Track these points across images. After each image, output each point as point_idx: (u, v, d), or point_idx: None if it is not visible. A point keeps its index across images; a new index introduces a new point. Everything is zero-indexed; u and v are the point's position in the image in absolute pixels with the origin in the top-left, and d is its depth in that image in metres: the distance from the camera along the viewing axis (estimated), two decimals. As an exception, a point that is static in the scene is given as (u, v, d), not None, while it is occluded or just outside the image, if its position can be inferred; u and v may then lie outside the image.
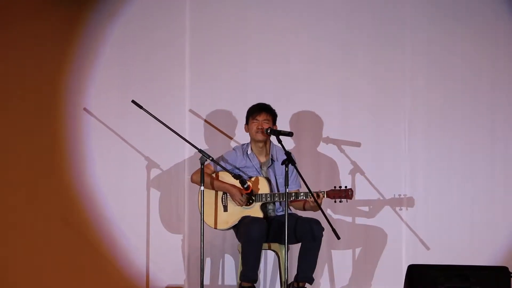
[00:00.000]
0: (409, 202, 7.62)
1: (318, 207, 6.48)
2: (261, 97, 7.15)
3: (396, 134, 7.71)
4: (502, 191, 7.68)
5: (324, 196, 6.71)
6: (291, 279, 6.79)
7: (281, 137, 6.63)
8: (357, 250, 7.61)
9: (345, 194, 6.74)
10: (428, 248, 7.62)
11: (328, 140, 7.66)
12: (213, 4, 7.70)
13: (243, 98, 7.42)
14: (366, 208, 7.62)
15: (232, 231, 6.95)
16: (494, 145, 7.71)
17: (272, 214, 6.92)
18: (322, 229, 6.67)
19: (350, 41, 7.72)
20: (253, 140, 6.96)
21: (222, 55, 7.69)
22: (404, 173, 7.69)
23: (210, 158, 6.65)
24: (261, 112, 6.90)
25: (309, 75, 7.70)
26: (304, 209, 6.89)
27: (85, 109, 7.58)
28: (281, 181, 6.87)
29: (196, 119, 7.64)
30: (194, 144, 6.82)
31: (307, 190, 6.57)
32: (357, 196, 7.56)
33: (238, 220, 6.83)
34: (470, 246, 7.61)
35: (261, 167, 6.93)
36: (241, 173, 6.84)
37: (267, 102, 6.98)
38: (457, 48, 7.73)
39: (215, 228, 6.89)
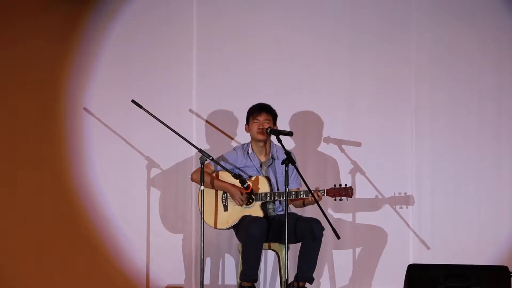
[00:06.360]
0: (409, 200, 7.61)
1: (318, 206, 6.47)
2: (262, 96, 7.14)
3: (401, 134, 7.69)
4: (505, 191, 7.66)
5: (324, 195, 6.71)
6: (291, 278, 6.78)
7: (281, 136, 6.63)
8: (358, 250, 7.60)
9: (345, 192, 6.73)
10: (428, 248, 7.61)
11: (329, 140, 7.65)
12: (216, 4, 7.70)
13: (244, 98, 7.40)
14: (366, 208, 7.61)
15: (232, 230, 6.95)
16: (500, 144, 7.69)
17: (272, 213, 6.91)
18: (322, 228, 6.66)
19: (355, 40, 7.70)
20: (253, 139, 6.96)
21: (224, 55, 7.69)
22: (410, 173, 7.67)
23: (210, 158, 6.65)
24: (261, 112, 6.89)
25: (313, 74, 7.69)
26: (304, 205, 6.89)
27: (85, 108, 7.58)
28: (281, 180, 6.85)
29: (197, 119, 7.64)
30: (194, 143, 6.82)
31: (307, 189, 6.56)
32: (358, 195, 7.55)
33: (238, 220, 6.83)
34: (470, 245, 7.59)
35: (261, 166, 6.93)
36: (241, 173, 6.83)
37: (269, 102, 6.98)
38: (462, 47, 7.72)
39: (215, 227, 6.89)
